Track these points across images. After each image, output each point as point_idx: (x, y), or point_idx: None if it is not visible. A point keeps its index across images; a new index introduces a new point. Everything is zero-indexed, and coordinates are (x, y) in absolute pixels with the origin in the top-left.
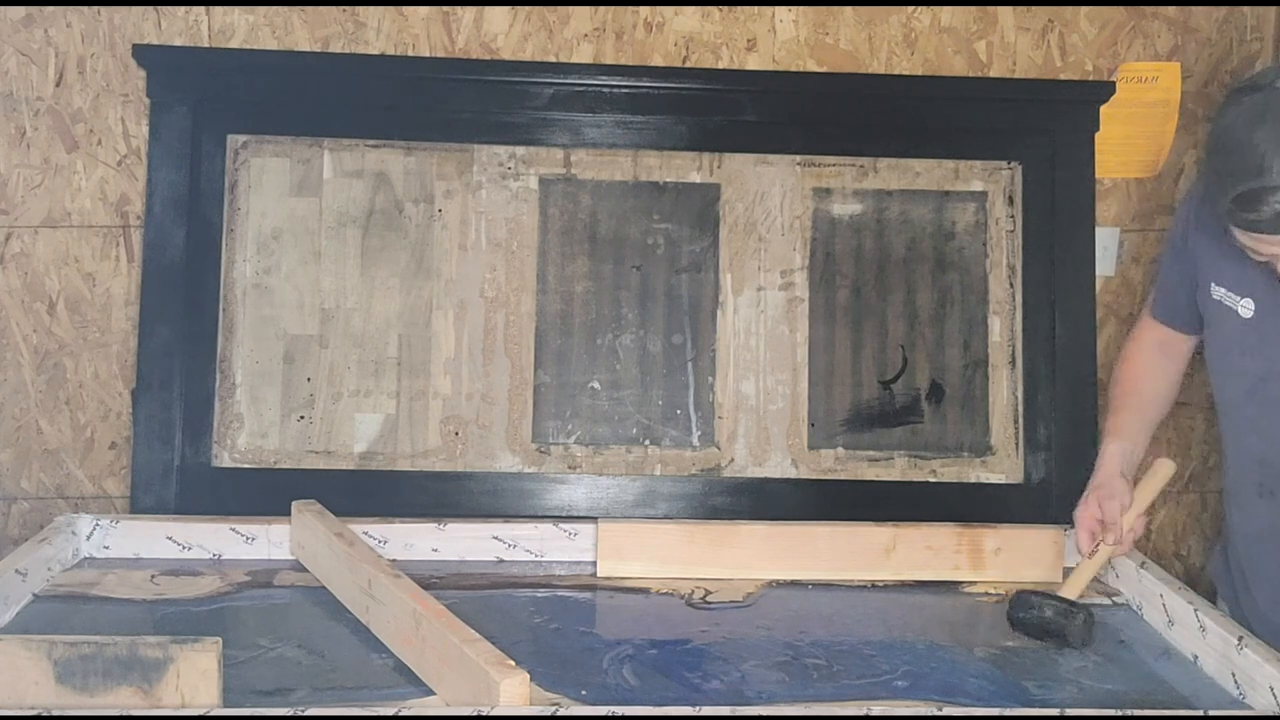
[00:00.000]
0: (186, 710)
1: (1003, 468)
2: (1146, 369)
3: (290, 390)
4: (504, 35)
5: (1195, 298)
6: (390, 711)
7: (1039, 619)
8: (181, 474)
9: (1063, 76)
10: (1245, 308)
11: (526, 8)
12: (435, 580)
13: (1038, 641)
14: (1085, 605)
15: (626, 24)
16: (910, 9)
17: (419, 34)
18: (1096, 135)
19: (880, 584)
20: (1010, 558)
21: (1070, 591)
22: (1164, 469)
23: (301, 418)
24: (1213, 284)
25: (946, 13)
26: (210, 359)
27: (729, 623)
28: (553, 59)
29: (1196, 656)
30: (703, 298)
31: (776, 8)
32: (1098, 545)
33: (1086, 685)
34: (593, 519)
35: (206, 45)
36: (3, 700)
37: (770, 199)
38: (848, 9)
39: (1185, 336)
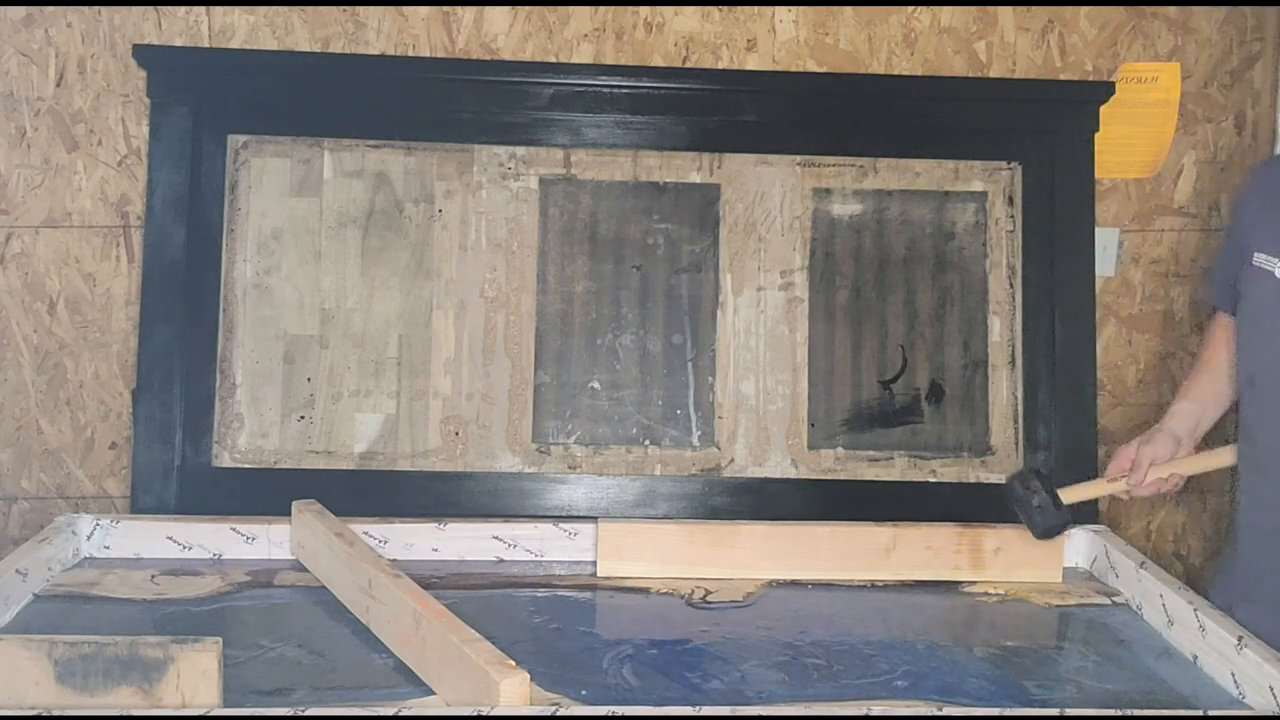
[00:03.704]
0: (186, 710)
1: (1003, 468)
2: (1221, 345)
3: (290, 390)
4: (504, 35)
5: (1239, 278)
6: (390, 711)
7: (1021, 495)
8: (182, 474)
9: (1063, 77)
10: None
11: (526, 8)
12: (435, 580)
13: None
14: (1067, 511)
15: (626, 24)
16: (910, 9)
17: (419, 34)
18: (1096, 135)
19: (880, 584)
20: (1010, 558)
21: (1068, 495)
22: (1223, 456)
23: (302, 418)
24: (1255, 253)
25: (946, 13)
26: (210, 359)
27: (729, 623)
28: (553, 59)
29: (1196, 656)
30: (703, 298)
31: (776, 8)
32: (1120, 477)
33: (1086, 685)
34: (593, 519)
35: (207, 45)
36: (3, 700)
37: (770, 199)
38: (848, 9)
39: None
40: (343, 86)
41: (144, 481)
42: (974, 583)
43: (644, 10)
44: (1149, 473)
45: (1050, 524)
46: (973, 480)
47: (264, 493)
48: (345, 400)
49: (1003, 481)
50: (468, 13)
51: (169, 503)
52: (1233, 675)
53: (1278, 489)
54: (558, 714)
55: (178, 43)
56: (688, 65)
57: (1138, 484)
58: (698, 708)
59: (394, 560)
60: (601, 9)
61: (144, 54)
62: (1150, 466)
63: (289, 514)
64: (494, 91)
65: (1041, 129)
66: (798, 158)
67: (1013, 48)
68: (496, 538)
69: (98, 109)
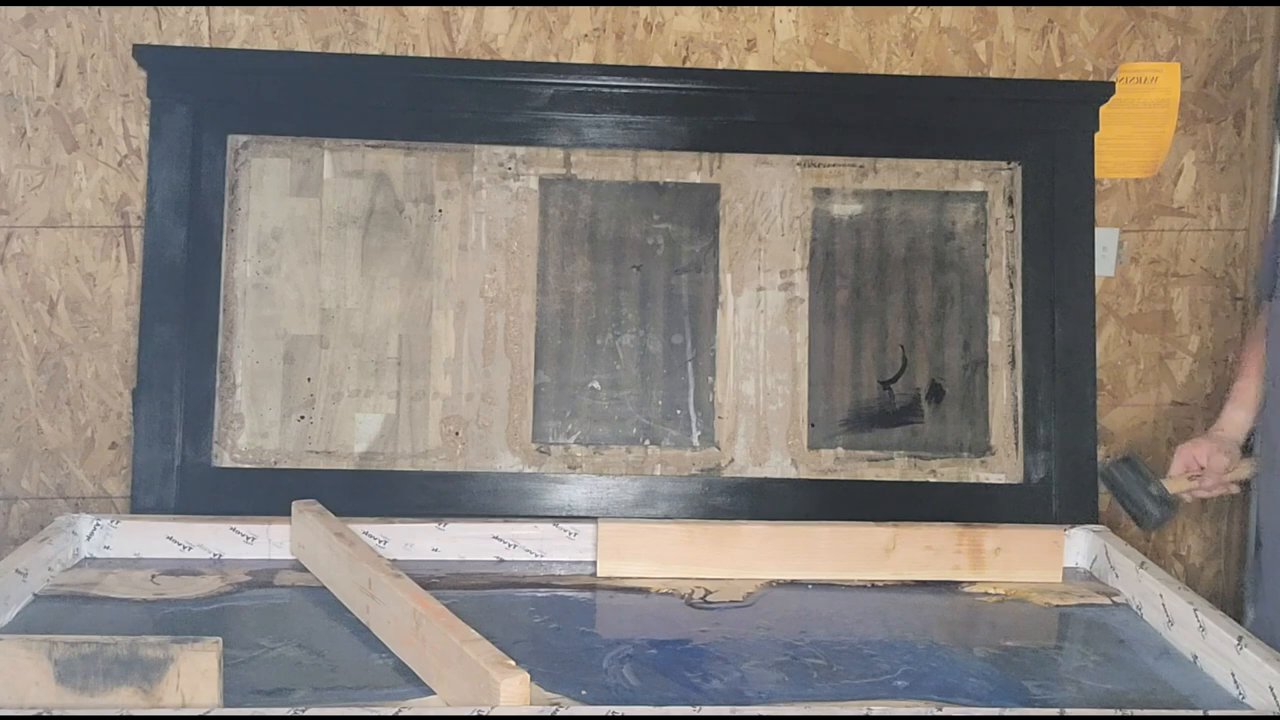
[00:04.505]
0: (186, 710)
1: (1002, 467)
2: (1257, 342)
3: (290, 390)
4: (504, 35)
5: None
6: (390, 711)
7: (1134, 480)
8: (182, 474)
9: (1062, 77)
10: None
11: (526, 8)
12: (435, 580)
13: (1117, 502)
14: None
15: (626, 24)
16: (910, 9)
17: (419, 34)
18: (1096, 135)
19: (880, 584)
20: (1010, 558)
21: (1172, 486)
22: (1246, 469)
23: (302, 418)
24: None
25: (946, 13)
26: (210, 359)
27: (729, 623)
28: (553, 59)
29: (1196, 656)
30: (703, 298)
31: (776, 8)
32: (1193, 477)
33: (1086, 685)
34: (593, 519)
35: (207, 45)
36: (3, 700)
37: (770, 199)
38: (848, 9)
39: None
40: (343, 86)
41: (144, 481)
42: (974, 583)
43: (644, 10)
44: (1219, 479)
45: (1168, 515)
46: (972, 480)
47: (264, 493)
48: (345, 400)
49: (1103, 465)
50: (468, 13)
51: (169, 503)
52: (1233, 675)
53: None
54: (558, 714)
55: (178, 43)
56: (688, 65)
57: (1210, 488)
58: (698, 708)
59: (394, 560)
60: (601, 9)
61: (144, 54)
62: (1219, 474)
63: (289, 514)
64: (494, 91)
65: (1041, 129)
66: (797, 158)
67: (1013, 48)
68: (496, 538)
69: (98, 109)
